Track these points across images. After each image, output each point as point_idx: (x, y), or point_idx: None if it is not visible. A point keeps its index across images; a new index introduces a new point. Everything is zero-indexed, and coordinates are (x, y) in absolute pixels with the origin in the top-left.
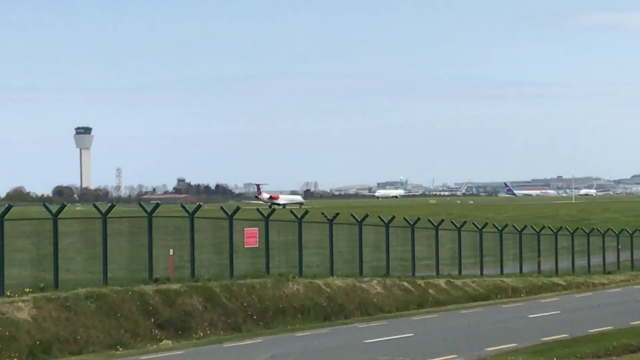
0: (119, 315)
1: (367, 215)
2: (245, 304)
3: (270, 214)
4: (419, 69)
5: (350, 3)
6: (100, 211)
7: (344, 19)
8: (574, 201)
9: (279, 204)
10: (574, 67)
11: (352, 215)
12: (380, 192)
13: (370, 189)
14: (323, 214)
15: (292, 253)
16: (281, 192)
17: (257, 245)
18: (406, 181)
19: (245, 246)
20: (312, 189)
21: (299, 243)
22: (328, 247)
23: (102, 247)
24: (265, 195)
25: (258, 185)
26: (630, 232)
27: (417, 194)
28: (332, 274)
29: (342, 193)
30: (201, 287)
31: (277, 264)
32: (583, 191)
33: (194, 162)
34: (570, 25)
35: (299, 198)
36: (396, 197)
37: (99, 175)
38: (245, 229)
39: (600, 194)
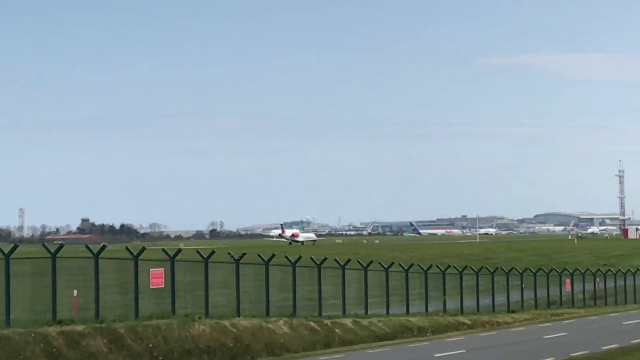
0: (22, 357)
1: (273, 255)
2: (150, 345)
3: (175, 254)
4: (326, 109)
5: (255, 41)
6: (2, 252)
7: (249, 57)
8: (478, 240)
9: (297, 241)
10: (477, 107)
11: (258, 255)
12: (275, 232)
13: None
14: (229, 254)
15: (198, 293)
16: (186, 232)
17: (162, 286)
18: (301, 221)
19: (151, 287)
20: (218, 229)
21: (205, 283)
22: (235, 287)
23: (4, 288)
24: (288, 233)
25: (282, 225)
26: (534, 271)
27: (323, 233)
28: (238, 314)
29: (249, 233)
30: (106, 328)
31: (183, 305)
32: (483, 230)
33: (99, 202)
34: (472, 65)
35: (313, 236)
36: None
37: (1, 215)
38: (150, 269)
39: (503, 232)
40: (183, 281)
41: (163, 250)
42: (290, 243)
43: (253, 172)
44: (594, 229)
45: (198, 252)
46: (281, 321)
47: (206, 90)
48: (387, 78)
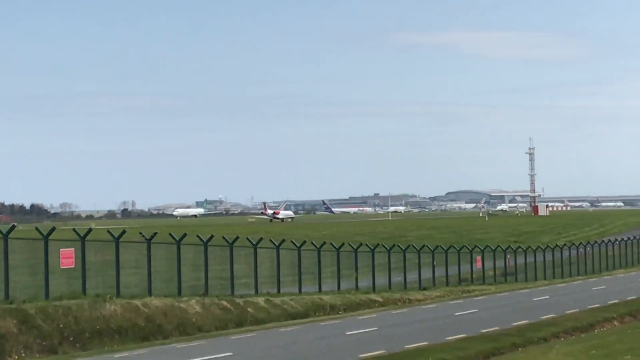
0: None
1: (185, 235)
2: (61, 325)
3: (86, 234)
4: (237, 88)
5: (168, 21)
6: None
7: (159, 36)
8: (390, 218)
9: (278, 218)
10: (389, 85)
11: (170, 234)
12: (178, 211)
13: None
14: (141, 233)
15: (109, 273)
16: (98, 212)
17: (73, 266)
18: (205, 201)
19: (62, 267)
20: (130, 208)
21: (116, 263)
22: (146, 267)
23: None
24: (270, 211)
25: (264, 203)
26: (445, 249)
27: (217, 212)
28: (150, 294)
29: (161, 212)
30: (15, 309)
31: (94, 285)
32: (392, 208)
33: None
34: (384, 43)
35: (291, 214)
36: (195, 216)
37: None
38: (61, 249)
39: (415, 210)
40: (94, 261)
41: (74, 230)
42: (271, 220)
43: (165, 151)
44: (504, 206)
45: (109, 231)
46: (193, 300)
47: (117, 69)
48: (298, 57)
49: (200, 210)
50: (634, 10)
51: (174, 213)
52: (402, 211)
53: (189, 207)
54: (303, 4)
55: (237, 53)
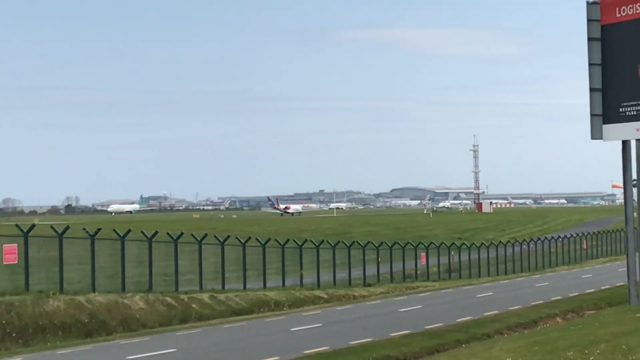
0: None
1: (129, 231)
2: (3, 321)
3: (29, 230)
4: (183, 83)
5: (112, 15)
6: None
7: (104, 30)
8: (335, 215)
9: (288, 213)
10: (334, 82)
11: (114, 230)
12: (113, 207)
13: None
14: (85, 229)
15: (52, 269)
16: (41, 208)
17: (16, 262)
18: (141, 197)
19: (4, 263)
20: (74, 204)
21: (59, 259)
22: (90, 263)
23: None
24: (282, 206)
25: (277, 199)
26: (390, 245)
27: (180, 207)
28: (94, 290)
29: (105, 208)
30: None
31: (37, 281)
32: (333, 205)
33: None
34: (328, 40)
35: (300, 208)
36: (130, 212)
37: None
38: (3, 245)
39: (360, 207)
40: (37, 257)
41: (16, 225)
42: (282, 214)
43: (109, 147)
44: (447, 203)
45: (52, 227)
46: (137, 297)
47: (62, 64)
48: (243, 52)
49: (136, 207)
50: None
51: (108, 209)
52: (344, 207)
53: (132, 203)
54: None
55: (182, 49)
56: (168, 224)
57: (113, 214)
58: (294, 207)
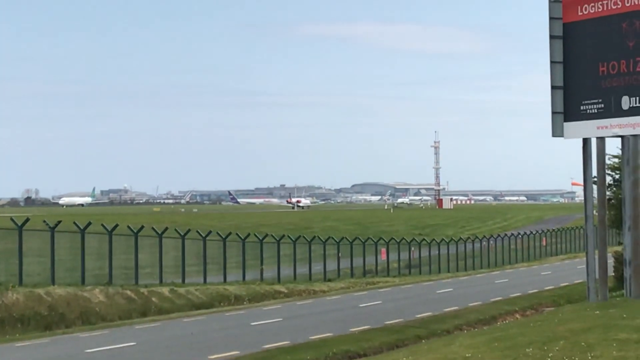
0: None
1: (90, 223)
2: None
3: None
4: (141, 76)
5: (70, 8)
6: None
7: (61, 22)
8: (296, 209)
9: (300, 206)
10: (295, 76)
11: (74, 223)
12: (65, 200)
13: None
14: (45, 221)
15: (12, 261)
16: (0, 200)
17: None
18: (93, 189)
19: None
20: (34, 196)
21: (19, 251)
22: (49, 256)
23: None
24: (294, 200)
25: (290, 193)
26: (350, 241)
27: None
28: (53, 283)
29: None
30: None
31: None
32: (294, 199)
33: None
34: (290, 34)
35: (309, 202)
36: (82, 205)
37: None
38: None
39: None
40: None
41: None
42: (293, 207)
43: (70, 139)
44: (406, 199)
45: (12, 219)
46: (97, 290)
47: (19, 56)
48: (204, 45)
49: (88, 199)
50: (537, 6)
51: (60, 202)
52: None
53: (84, 196)
54: None
55: (141, 41)
56: (129, 217)
57: (64, 206)
58: (304, 202)
